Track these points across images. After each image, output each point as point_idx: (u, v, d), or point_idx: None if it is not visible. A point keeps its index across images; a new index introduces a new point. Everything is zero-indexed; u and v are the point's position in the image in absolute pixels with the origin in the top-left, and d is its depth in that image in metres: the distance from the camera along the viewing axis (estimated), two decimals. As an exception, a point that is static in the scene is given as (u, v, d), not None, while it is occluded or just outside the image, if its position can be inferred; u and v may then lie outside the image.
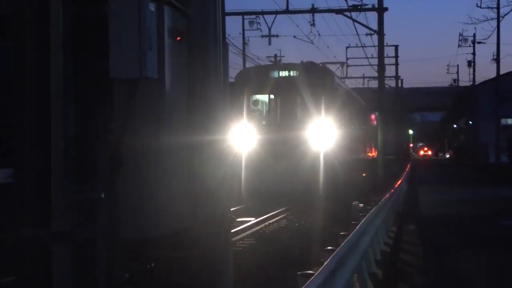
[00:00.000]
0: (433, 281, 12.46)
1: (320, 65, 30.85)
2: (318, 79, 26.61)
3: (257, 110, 28.00)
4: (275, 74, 27.11)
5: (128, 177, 6.36)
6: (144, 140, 6.46)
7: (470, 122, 75.33)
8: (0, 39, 6.33)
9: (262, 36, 46.77)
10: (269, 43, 46.38)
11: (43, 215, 5.90)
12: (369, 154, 42.52)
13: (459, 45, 70.92)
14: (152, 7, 6.21)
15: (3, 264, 6.46)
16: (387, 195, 19.35)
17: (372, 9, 35.93)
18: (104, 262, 6.11)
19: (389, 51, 62.85)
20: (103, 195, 6.07)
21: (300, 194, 24.89)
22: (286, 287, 11.34)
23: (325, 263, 8.01)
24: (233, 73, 29.86)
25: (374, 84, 62.03)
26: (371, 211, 14.45)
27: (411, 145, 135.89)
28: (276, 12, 38.02)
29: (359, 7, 35.98)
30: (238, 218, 18.65)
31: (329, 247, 10.03)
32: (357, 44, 54.28)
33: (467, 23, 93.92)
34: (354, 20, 36.38)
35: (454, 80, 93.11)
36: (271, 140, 25.50)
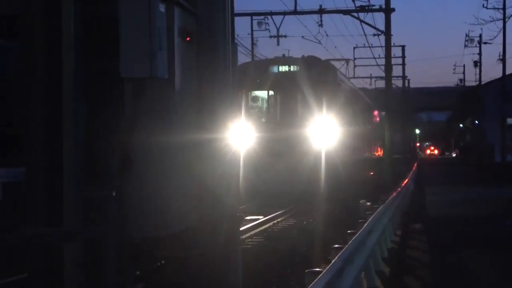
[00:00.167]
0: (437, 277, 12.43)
1: (322, 60, 29.10)
2: (319, 75, 25.19)
3: (256, 107, 26.64)
4: (275, 69, 25.65)
5: (137, 176, 6.34)
6: (153, 139, 6.44)
7: (476, 122, 75.12)
8: (12, 39, 6.33)
9: (271, 37, 46.65)
10: (278, 44, 46.31)
11: (54, 214, 5.89)
12: (375, 153, 42.11)
13: (465, 46, 70.73)
14: (162, 7, 6.19)
15: (15, 262, 6.46)
16: (394, 194, 19.29)
17: (379, 9, 35.81)
18: (114, 260, 6.09)
19: (396, 51, 62.71)
20: (113, 194, 6.06)
21: (301, 194, 23.77)
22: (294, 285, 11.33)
23: (333, 261, 7.97)
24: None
25: (381, 84, 62.02)
26: (378, 210, 14.41)
27: (418, 144, 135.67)
28: (284, 13, 37.95)
29: (366, 7, 35.87)
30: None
31: (336, 245, 10.00)
32: (364, 44, 54.15)
33: (473, 24, 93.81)
34: (361, 21, 36.29)
35: (460, 80, 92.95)
36: (271, 138, 24.11)
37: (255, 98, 26.74)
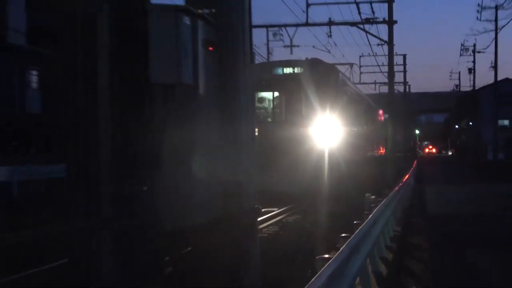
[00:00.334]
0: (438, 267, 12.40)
1: (326, 62, 27.40)
2: (323, 76, 23.93)
3: (262, 107, 25.20)
4: (279, 70, 24.49)
5: (166, 173, 6.38)
6: (180, 140, 6.47)
7: (471, 123, 74.82)
8: (55, 49, 6.38)
9: (285, 46, 46.49)
10: (291, 53, 46.16)
11: (92, 206, 5.93)
12: (378, 152, 41.79)
13: (461, 54, 70.36)
14: (187, 20, 6.24)
15: (57, 249, 6.50)
16: (396, 188, 19.25)
17: (383, 22, 35.67)
18: (146, 247, 6.13)
19: (398, 60, 62.57)
20: (145, 189, 6.09)
21: (303, 194, 22.81)
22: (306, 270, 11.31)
23: (341, 249, 7.96)
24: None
25: (384, 89, 61.82)
26: (382, 202, 14.37)
27: (418, 143, 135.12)
28: (297, 25, 37.88)
29: (371, 20, 35.75)
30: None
31: (344, 234, 9.95)
32: (369, 53, 54.05)
33: (468, 34, 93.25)
34: (366, 32, 36.17)
35: (456, 86, 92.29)
36: (275, 138, 22.93)
37: (261, 99, 25.44)
